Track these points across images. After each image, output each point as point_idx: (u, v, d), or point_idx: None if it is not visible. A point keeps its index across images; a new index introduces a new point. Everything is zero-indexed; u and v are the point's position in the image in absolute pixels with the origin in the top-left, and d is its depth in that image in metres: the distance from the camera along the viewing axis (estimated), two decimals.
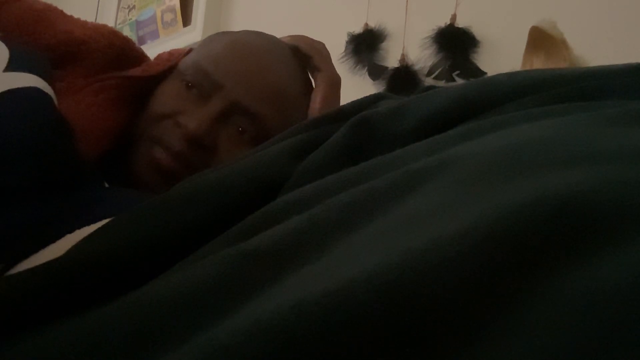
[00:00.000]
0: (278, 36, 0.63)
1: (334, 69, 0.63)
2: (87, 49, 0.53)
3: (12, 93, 0.40)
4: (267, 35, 0.62)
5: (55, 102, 0.45)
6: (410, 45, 1.30)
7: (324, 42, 0.64)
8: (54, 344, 0.22)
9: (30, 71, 0.43)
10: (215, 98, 0.54)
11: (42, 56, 0.49)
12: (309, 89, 0.63)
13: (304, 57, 0.62)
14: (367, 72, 1.35)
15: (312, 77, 0.63)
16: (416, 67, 1.28)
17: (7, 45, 0.45)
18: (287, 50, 0.61)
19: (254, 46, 0.58)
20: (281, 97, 0.57)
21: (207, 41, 0.61)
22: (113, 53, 0.56)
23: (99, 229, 0.33)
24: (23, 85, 0.42)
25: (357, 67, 1.37)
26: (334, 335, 0.15)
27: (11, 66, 0.43)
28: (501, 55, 1.15)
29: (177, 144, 0.52)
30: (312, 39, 0.64)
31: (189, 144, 0.52)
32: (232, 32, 0.62)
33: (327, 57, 0.63)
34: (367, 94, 0.47)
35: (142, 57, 0.60)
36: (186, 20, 1.80)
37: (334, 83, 0.62)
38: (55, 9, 0.56)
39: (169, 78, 0.57)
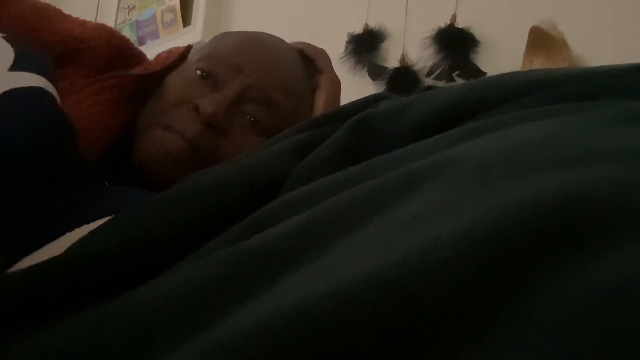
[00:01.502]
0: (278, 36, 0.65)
1: (335, 73, 0.65)
2: (86, 47, 0.53)
3: (16, 92, 0.41)
4: (275, 36, 0.63)
5: (58, 101, 0.45)
6: (410, 45, 1.30)
7: (324, 43, 0.66)
8: (54, 342, 0.22)
9: (34, 71, 0.44)
10: (232, 81, 0.54)
11: (45, 56, 0.49)
12: (312, 90, 0.64)
13: (308, 59, 0.64)
14: (367, 73, 1.36)
15: (315, 79, 0.64)
16: (416, 68, 1.28)
17: (12, 45, 0.45)
18: (294, 50, 0.63)
19: (266, 41, 0.59)
20: (294, 89, 0.59)
21: (219, 37, 0.62)
22: (112, 52, 0.56)
23: (99, 227, 0.33)
24: (27, 84, 0.42)
25: (357, 67, 1.37)
26: (333, 335, 0.15)
27: (16, 66, 0.43)
28: (501, 55, 1.15)
29: (190, 129, 0.52)
30: (314, 45, 0.66)
31: (205, 126, 0.52)
32: (240, 31, 0.63)
33: (329, 62, 0.65)
34: (367, 94, 0.47)
35: (140, 57, 0.61)
36: (186, 20, 1.80)
37: (336, 86, 0.64)
38: (54, 8, 0.56)
39: (177, 70, 0.58)
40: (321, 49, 0.65)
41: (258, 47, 0.57)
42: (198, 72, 0.55)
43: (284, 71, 0.58)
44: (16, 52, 0.45)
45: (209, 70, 0.55)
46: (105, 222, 0.34)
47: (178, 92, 0.55)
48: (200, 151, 0.52)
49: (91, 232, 0.33)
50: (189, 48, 0.62)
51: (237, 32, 0.61)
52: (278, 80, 0.56)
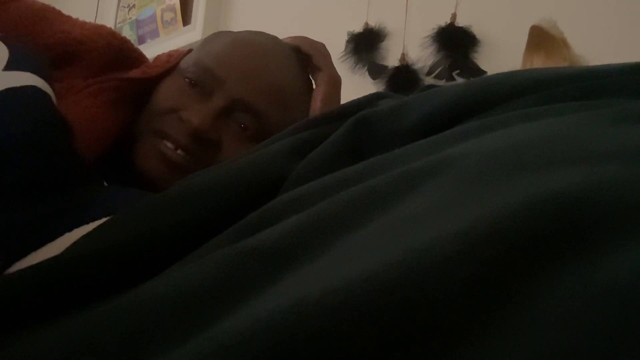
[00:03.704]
0: (278, 36, 0.64)
1: (335, 69, 0.64)
2: (85, 49, 0.53)
3: (10, 91, 0.40)
4: (269, 34, 0.62)
5: (54, 101, 0.45)
6: (411, 44, 1.30)
7: (324, 42, 0.64)
8: (52, 342, 0.22)
9: (29, 71, 0.43)
10: (218, 94, 0.54)
11: (41, 56, 0.49)
12: (310, 88, 0.63)
13: (305, 56, 0.62)
14: (367, 71, 1.35)
15: (313, 77, 0.63)
16: (416, 66, 1.28)
17: (6, 45, 0.45)
18: (289, 49, 0.61)
19: (256, 44, 0.58)
20: (283, 94, 0.58)
21: (209, 40, 0.61)
22: (111, 53, 0.56)
23: (97, 227, 0.33)
24: (22, 84, 0.42)
25: (357, 66, 1.37)
26: (333, 335, 0.15)
27: (11, 65, 0.43)
28: (501, 55, 1.15)
29: (182, 139, 0.53)
30: (312, 40, 0.64)
31: (193, 138, 0.52)
32: (233, 31, 0.62)
33: (327, 57, 0.63)
34: (367, 93, 0.47)
35: (140, 58, 0.60)
36: (186, 19, 1.80)
37: (335, 83, 0.62)
38: (54, 9, 0.56)
39: (170, 76, 0.58)
40: (320, 43, 0.64)
41: (244, 54, 0.56)
42: (186, 80, 0.55)
43: (272, 77, 0.57)
44: (11, 52, 0.44)
45: (196, 79, 0.55)
46: (104, 223, 0.34)
47: (169, 99, 0.55)
48: (194, 159, 0.53)
49: (90, 233, 0.33)
50: (188, 53, 0.61)
51: (225, 35, 0.60)
52: (264, 88, 0.56)
